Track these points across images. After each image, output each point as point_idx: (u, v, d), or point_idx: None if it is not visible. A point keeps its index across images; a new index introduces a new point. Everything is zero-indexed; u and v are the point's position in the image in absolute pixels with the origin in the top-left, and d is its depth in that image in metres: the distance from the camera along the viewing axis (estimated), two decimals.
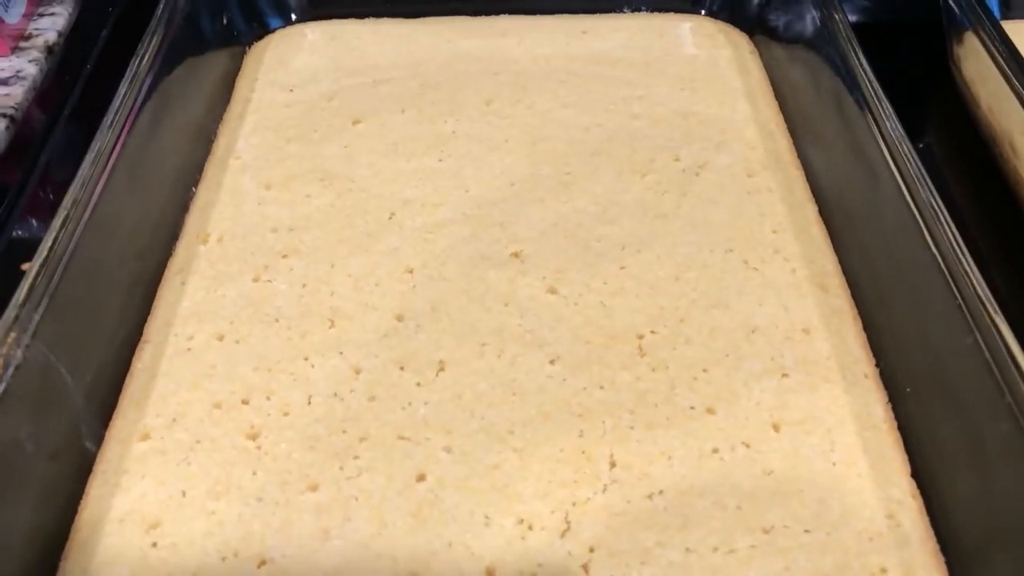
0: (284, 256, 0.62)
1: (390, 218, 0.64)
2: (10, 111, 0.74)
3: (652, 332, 0.56)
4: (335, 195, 0.66)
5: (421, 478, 0.50)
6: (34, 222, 0.70)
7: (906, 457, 0.51)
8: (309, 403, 0.53)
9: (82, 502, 0.50)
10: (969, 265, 0.50)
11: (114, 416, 0.53)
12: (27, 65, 0.79)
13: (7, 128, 0.73)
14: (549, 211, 0.64)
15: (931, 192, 0.54)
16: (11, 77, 0.77)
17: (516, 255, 0.61)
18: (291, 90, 0.76)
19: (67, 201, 0.55)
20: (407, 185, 0.66)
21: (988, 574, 0.45)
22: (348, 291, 0.59)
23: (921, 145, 0.75)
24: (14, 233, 0.67)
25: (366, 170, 0.68)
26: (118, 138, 0.60)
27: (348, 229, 0.63)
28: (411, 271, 0.60)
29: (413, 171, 0.68)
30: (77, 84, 0.81)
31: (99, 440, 0.52)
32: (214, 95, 0.75)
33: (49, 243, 0.52)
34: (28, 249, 0.57)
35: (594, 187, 0.66)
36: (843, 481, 0.49)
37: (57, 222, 0.53)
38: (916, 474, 0.50)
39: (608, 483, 0.49)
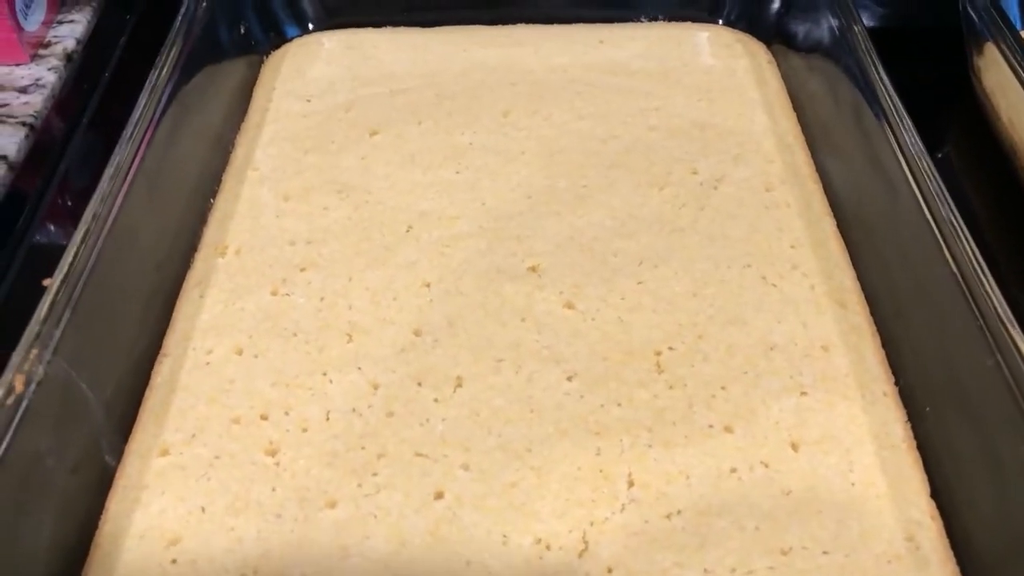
0: (302, 269, 0.62)
1: (407, 231, 0.64)
2: (29, 119, 0.75)
3: (670, 348, 0.56)
4: (352, 207, 0.66)
5: (439, 496, 0.50)
6: (53, 229, 0.71)
7: (925, 477, 0.51)
8: (327, 419, 0.53)
9: (102, 517, 0.50)
10: (989, 283, 0.50)
11: (134, 430, 0.53)
12: (46, 73, 0.79)
13: (26, 136, 0.73)
14: (566, 225, 0.64)
15: (951, 208, 0.54)
16: (30, 85, 0.78)
17: (533, 269, 0.61)
18: (308, 100, 0.76)
19: (87, 215, 0.54)
20: (423, 197, 0.66)
21: None
22: (366, 305, 0.59)
23: (940, 155, 0.74)
24: (34, 239, 0.68)
25: (383, 182, 0.68)
26: (137, 150, 0.60)
27: (365, 242, 0.63)
28: (428, 285, 0.60)
29: (430, 183, 0.68)
30: (96, 92, 0.81)
31: (119, 455, 0.52)
32: (232, 104, 0.75)
33: (70, 258, 0.52)
34: (47, 257, 0.57)
35: (611, 200, 0.66)
36: (862, 502, 0.49)
37: (78, 237, 0.53)
38: (935, 494, 0.50)
39: (626, 502, 0.49)
